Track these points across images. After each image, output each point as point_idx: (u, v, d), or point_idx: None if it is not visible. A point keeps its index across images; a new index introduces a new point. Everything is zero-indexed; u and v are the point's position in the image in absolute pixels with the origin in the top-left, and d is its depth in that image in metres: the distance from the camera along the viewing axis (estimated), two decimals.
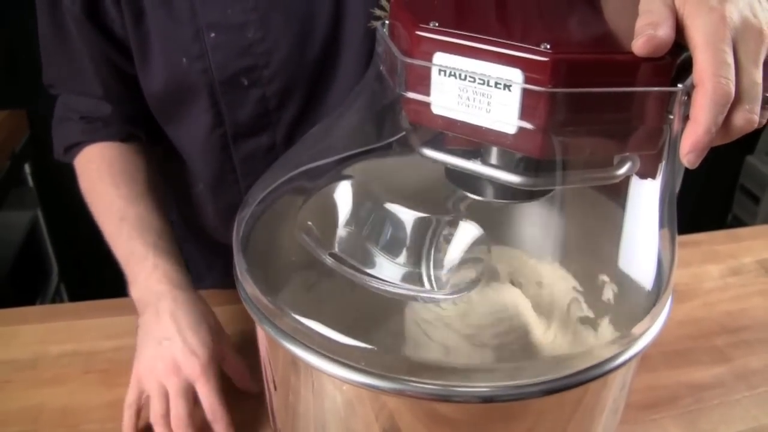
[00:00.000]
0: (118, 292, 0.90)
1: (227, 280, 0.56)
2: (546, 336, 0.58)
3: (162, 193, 0.93)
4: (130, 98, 0.91)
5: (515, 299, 0.60)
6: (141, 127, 0.95)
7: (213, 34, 0.80)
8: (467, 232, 0.49)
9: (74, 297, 2.05)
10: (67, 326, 0.94)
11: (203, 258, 1.17)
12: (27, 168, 1.96)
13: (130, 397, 0.76)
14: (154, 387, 0.74)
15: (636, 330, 0.48)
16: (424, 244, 0.50)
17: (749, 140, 2.49)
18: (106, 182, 0.89)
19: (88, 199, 0.90)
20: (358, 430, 0.51)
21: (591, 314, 0.61)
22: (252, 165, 0.90)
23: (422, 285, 0.49)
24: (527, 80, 0.43)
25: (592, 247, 0.58)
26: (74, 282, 2.12)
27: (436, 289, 0.49)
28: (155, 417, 0.73)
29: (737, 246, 1.15)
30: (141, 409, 0.75)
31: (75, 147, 0.93)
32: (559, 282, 0.63)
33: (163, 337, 0.75)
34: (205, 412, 0.72)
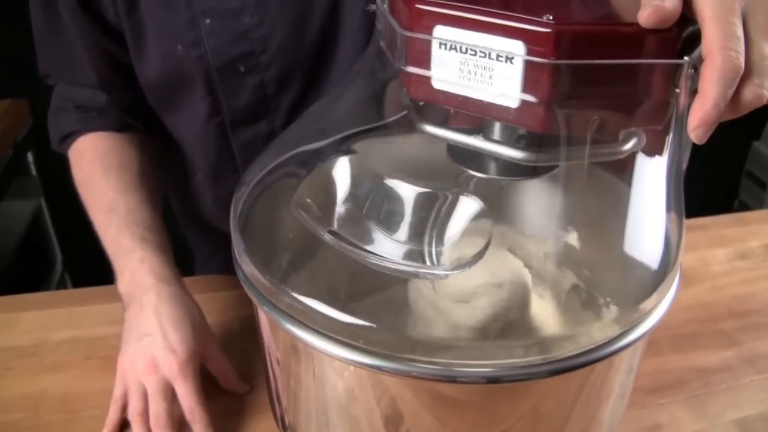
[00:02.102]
0: None
1: (231, 267, 0.55)
2: (545, 312, 0.57)
3: (157, 185, 0.92)
4: (125, 88, 0.90)
5: (517, 269, 0.59)
6: (138, 117, 0.93)
7: (208, 21, 0.79)
8: (468, 206, 0.48)
9: (78, 286, 2.05)
10: (67, 313, 0.93)
11: (206, 246, 1.16)
12: (30, 157, 1.96)
13: (117, 393, 0.75)
14: (133, 384, 0.73)
15: (643, 307, 0.47)
16: (424, 220, 0.49)
17: (755, 126, 2.48)
18: (97, 173, 0.88)
19: (81, 191, 0.89)
20: (359, 414, 0.50)
21: (596, 294, 0.60)
22: (251, 152, 0.88)
23: (423, 261, 0.48)
24: (530, 52, 0.42)
25: (596, 226, 0.57)
26: (78, 271, 2.12)
27: (437, 265, 0.48)
28: (132, 414, 0.72)
29: (744, 230, 1.14)
30: (126, 405, 0.74)
31: (70, 137, 0.92)
32: (562, 261, 0.62)
33: (144, 333, 0.74)
34: (184, 411, 0.71)
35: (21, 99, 1.90)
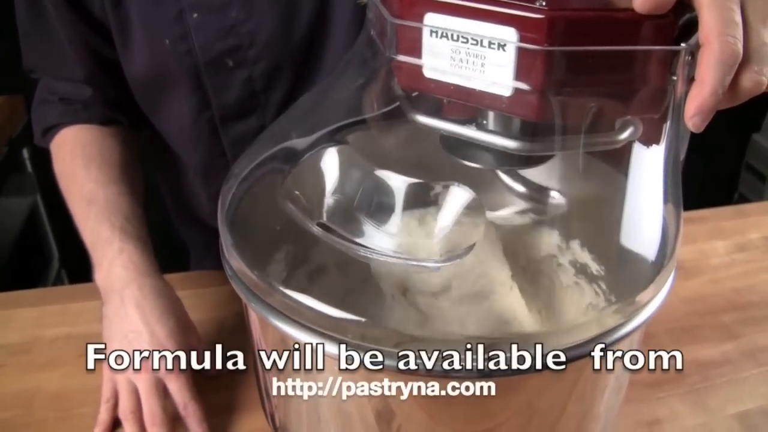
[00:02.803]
0: None
1: None
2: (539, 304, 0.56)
3: (139, 178, 0.91)
4: (111, 83, 0.90)
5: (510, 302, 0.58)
6: (122, 112, 0.93)
7: (195, 15, 0.78)
8: (459, 196, 0.48)
9: (75, 283, 2.05)
10: (61, 309, 0.93)
11: (201, 242, 1.16)
12: (25, 153, 1.95)
13: (106, 392, 0.74)
14: (123, 383, 0.72)
15: (640, 298, 0.46)
16: (416, 212, 0.48)
17: (755, 117, 2.47)
18: (78, 165, 0.87)
19: (61, 182, 0.89)
20: (350, 410, 0.50)
21: (591, 286, 0.59)
22: (242, 149, 0.87)
23: (414, 253, 0.48)
24: (522, 39, 0.41)
25: (592, 217, 0.56)
26: (75, 268, 2.11)
27: (428, 257, 0.47)
28: (124, 413, 0.71)
29: (744, 222, 1.13)
30: (117, 404, 0.74)
31: (53, 129, 0.92)
32: (558, 254, 0.62)
33: (129, 330, 0.72)
34: (177, 407, 0.71)
35: (16, 96, 1.89)
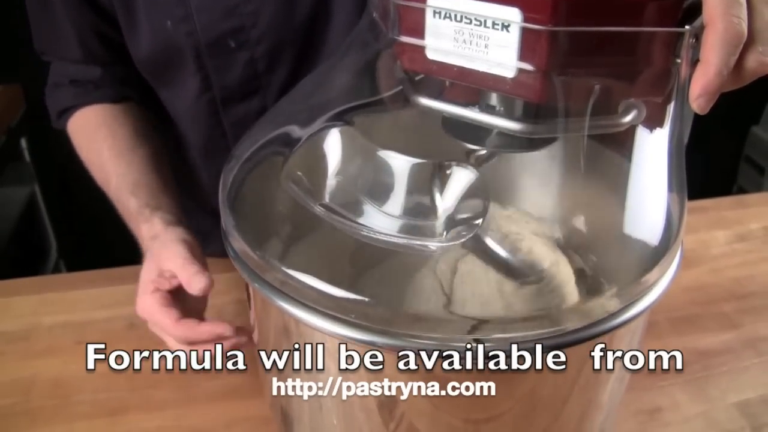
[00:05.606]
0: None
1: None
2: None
3: (155, 148, 0.90)
4: (117, 62, 0.90)
5: None
6: (133, 88, 0.93)
7: None
8: (463, 176, 0.47)
9: (73, 272, 2.05)
10: (59, 297, 0.93)
11: (200, 228, 1.15)
12: (23, 143, 1.95)
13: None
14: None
15: (645, 281, 0.46)
16: (419, 192, 0.48)
17: (754, 110, 2.46)
18: (93, 145, 0.87)
19: (86, 165, 0.89)
20: (353, 399, 0.49)
21: (596, 270, 0.58)
22: (243, 130, 0.87)
23: (418, 234, 0.47)
24: (526, 19, 0.41)
25: (596, 201, 0.55)
26: (73, 257, 2.11)
27: (432, 238, 0.47)
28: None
29: (744, 212, 1.13)
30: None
31: (67, 111, 0.92)
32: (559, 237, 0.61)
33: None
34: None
35: (14, 85, 1.89)
